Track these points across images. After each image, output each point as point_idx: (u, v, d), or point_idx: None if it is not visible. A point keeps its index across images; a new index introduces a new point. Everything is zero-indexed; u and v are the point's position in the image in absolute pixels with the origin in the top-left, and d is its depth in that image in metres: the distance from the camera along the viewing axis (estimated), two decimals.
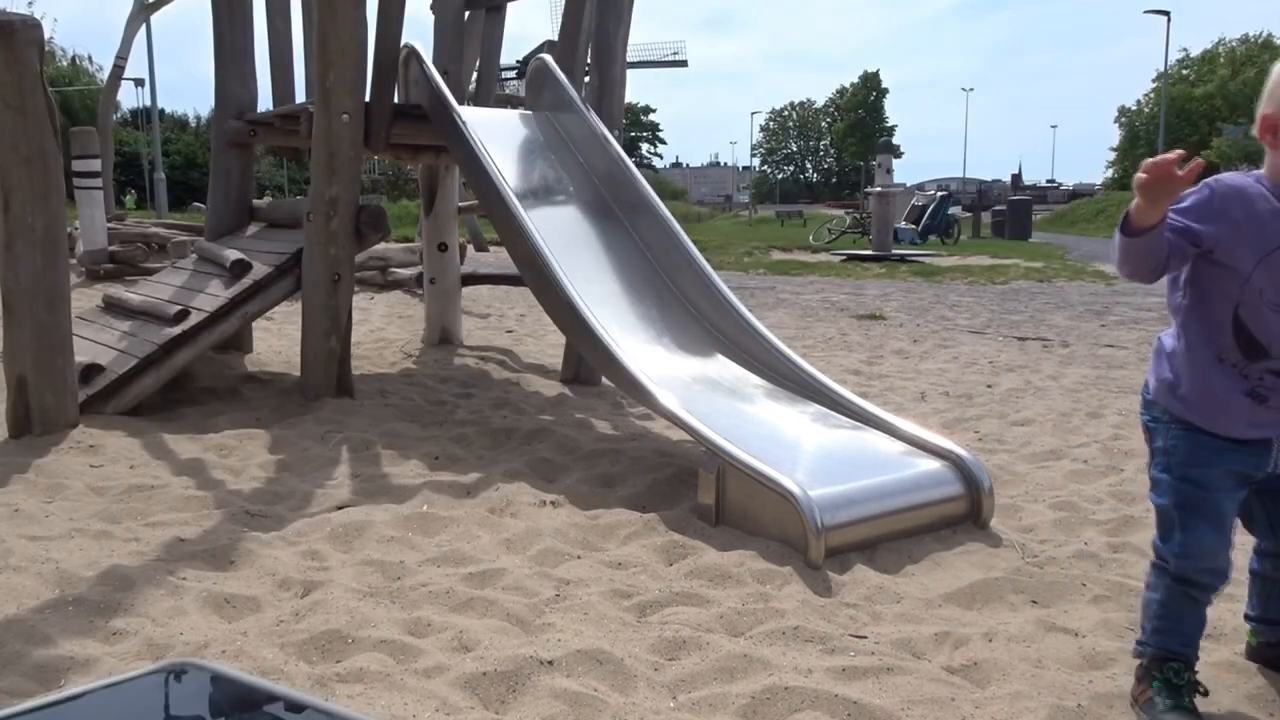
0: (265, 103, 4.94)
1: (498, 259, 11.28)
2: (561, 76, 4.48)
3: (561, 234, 3.83)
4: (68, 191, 3.67)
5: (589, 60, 4.76)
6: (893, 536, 2.60)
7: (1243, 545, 2.61)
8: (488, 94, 5.34)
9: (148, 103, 26.83)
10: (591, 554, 2.49)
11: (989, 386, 4.96)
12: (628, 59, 4.89)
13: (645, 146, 74.05)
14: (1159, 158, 1.62)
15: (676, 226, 3.93)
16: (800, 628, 2.06)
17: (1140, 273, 1.73)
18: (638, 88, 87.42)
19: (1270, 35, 44.33)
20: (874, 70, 70.82)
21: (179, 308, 3.96)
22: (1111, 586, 2.32)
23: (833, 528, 2.45)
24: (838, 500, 2.54)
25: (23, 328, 3.28)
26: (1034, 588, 2.33)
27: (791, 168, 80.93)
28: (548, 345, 5.93)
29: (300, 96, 4.85)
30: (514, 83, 16.68)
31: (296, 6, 4.88)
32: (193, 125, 38.80)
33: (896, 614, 2.19)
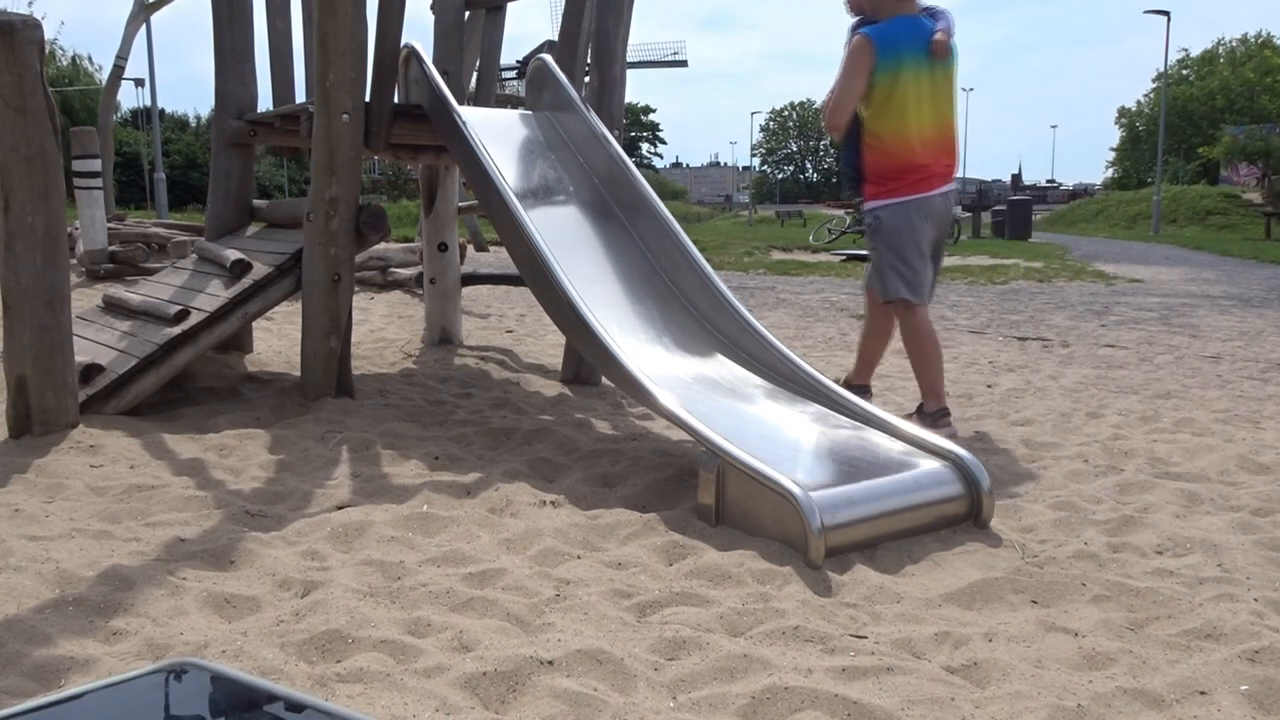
0: (265, 103, 4.94)
1: (498, 259, 11.29)
2: (561, 76, 4.48)
3: (561, 234, 3.83)
4: (68, 191, 3.67)
5: (589, 60, 4.76)
6: (893, 536, 2.60)
7: (1241, 545, 2.62)
8: (488, 94, 5.34)
9: (148, 103, 26.86)
10: (591, 554, 2.49)
11: (989, 386, 4.96)
12: (628, 59, 4.89)
13: (645, 146, 74.03)
14: None
15: (676, 226, 3.93)
16: (800, 628, 2.06)
17: None
18: (638, 88, 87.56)
19: (1270, 35, 44.36)
20: None
21: (179, 308, 3.96)
22: (1111, 586, 2.32)
23: (833, 528, 2.45)
24: (838, 500, 2.54)
25: (23, 328, 3.28)
26: (1034, 588, 2.33)
27: (791, 168, 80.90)
28: (548, 345, 5.93)
29: (300, 96, 4.85)
30: (514, 83, 16.67)
31: (296, 6, 4.89)
32: (193, 125, 38.83)
33: (896, 614, 2.19)
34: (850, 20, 4.07)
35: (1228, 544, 2.62)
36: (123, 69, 13.62)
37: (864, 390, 4.08)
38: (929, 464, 2.81)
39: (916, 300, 3.81)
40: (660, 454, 3.40)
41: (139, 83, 32.74)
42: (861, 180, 3.90)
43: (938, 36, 3.74)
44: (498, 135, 4.23)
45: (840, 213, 26.81)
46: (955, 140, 3.90)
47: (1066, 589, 2.32)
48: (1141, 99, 48.72)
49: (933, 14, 3.83)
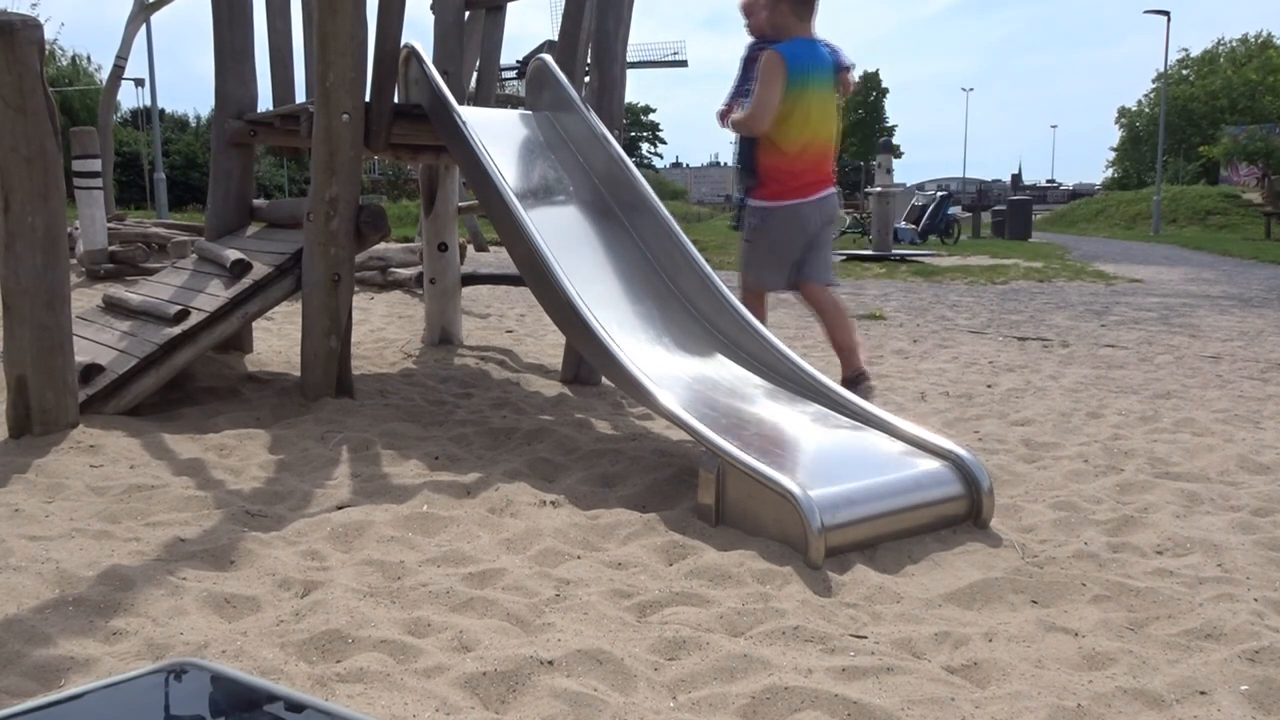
0: (265, 103, 4.94)
1: (498, 259, 11.29)
2: (561, 76, 4.48)
3: (561, 234, 3.83)
4: (68, 191, 3.67)
5: (589, 60, 4.76)
6: (893, 536, 2.60)
7: (1241, 545, 2.62)
8: (488, 94, 5.34)
9: (148, 103, 26.86)
10: (591, 554, 2.49)
11: (989, 386, 4.96)
12: (628, 59, 4.89)
13: (645, 146, 73.92)
14: None
15: (676, 226, 3.93)
16: (800, 628, 2.06)
17: None
18: (638, 88, 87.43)
19: (1270, 35, 44.38)
20: (874, 70, 70.72)
21: (179, 308, 3.96)
22: (1111, 586, 2.32)
23: (833, 528, 2.45)
24: (838, 500, 2.54)
25: (23, 328, 3.28)
26: (1034, 588, 2.33)
27: None
28: (548, 345, 5.93)
29: (300, 96, 4.85)
30: (514, 83, 16.68)
31: (296, 6, 4.89)
32: (193, 125, 38.83)
33: (896, 614, 2.19)
34: (749, 39, 4.63)
35: (1228, 544, 2.62)
36: (123, 69, 13.63)
37: (861, 377, 4.21)
38: (929, 464, 2.81)
39: (759, 288, 4.44)
40: (660, 454, 3.40)
41: (139, 83, 32.75)
42: (756, 178, 4.36)
43: (849, 76, 4.36)
44: (498, 135, 4.23)
45: (840, 213, 26.76)
46: (833, 153, 4.49)
47: (1066, 589, 2.32)
48: (1142, 99, 48.79)
49: (826, 44, 4.32)
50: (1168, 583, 2.37)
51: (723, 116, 4.63)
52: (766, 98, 4.15)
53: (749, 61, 4.52)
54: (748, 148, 4.38)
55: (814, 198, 4.30)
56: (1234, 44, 45.88)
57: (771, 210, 4.29)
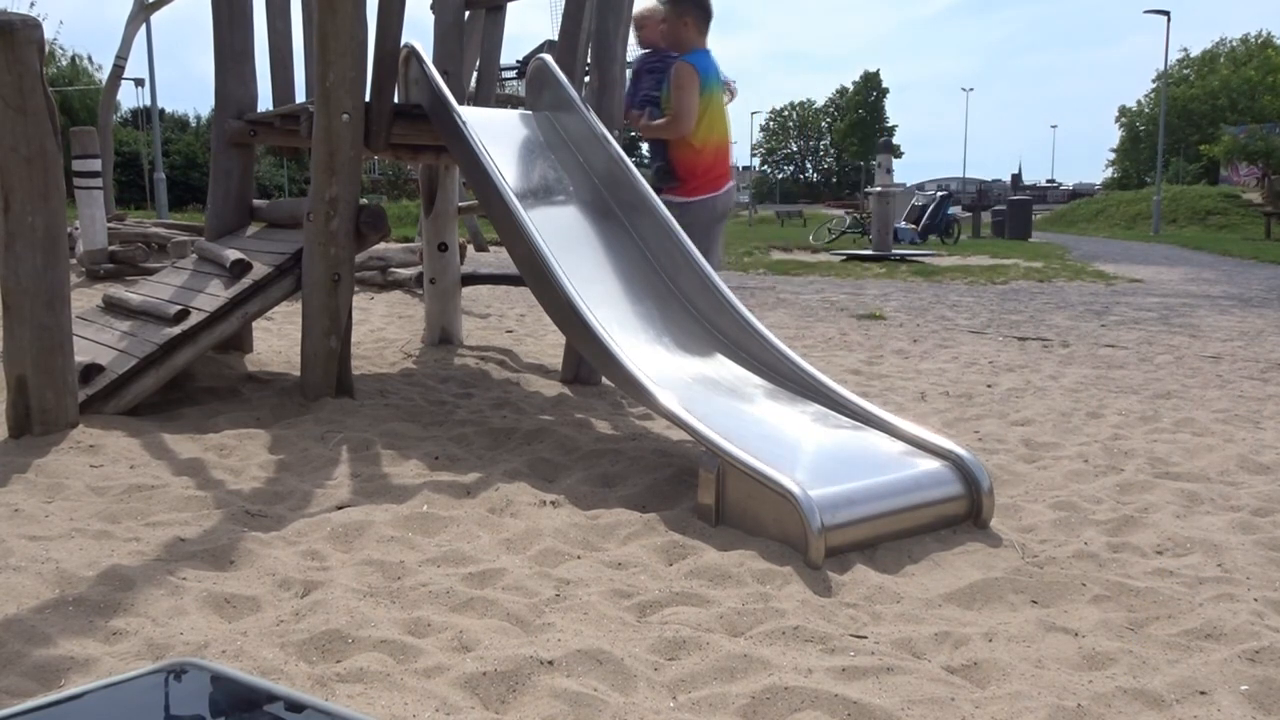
0: (265, 103, 4.94)
1: (498, 259, 11.29)
2: (561, 76, 4.48)
3: (561, 234, 3.83)
4: (68, 191, 3.67)
5: (589, 60, 4.76)
6: (893, 536, 2.60)
7: (1241, 545, 2.62)
8: (488, 94, 5.34)
9: (148, 103, 26.87)
10: (591, 554, 2.49)
11: (989, 386, 4.96)
12: (628, 59, 4.90)
13: (645, 146, 73.88)
14: None
15: (676, 226, 3.92)
16: (800, 628, 2.06)
17: None
18: None
19: (1270, 35, 44.41)
20: (874, 70, 70.68)
21: (179, 308, 3.96)
22: (1111, 586, 2.32)
23: (833, 528, 2.45)
24: (838, 500, 2.54)
25: (23, 328, 3.28)
26: (1034, 588, 2.33)
27: (791, 168, 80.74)
28: (548, 345, 5.93)
29: (300, 96, 4.85)
30: (514, 83, 16.66)
31: (296, 6, 4.89)
32: (193, 125, 38.84)
33: (896, 614, 2.19)
34: (639, 50, 5.07)
35: (1228, 544, 2.62)
36: (123, 69, 13.63)
37: None
38: (929, 464, 2.81)
39: None
40: (660, 454, 3.40)
41: (139, 83, 32.78)
42: (672, 176, 4.74)
43: (732, 84, 4.87)
44: (498, 135, 4.23)
45: (840, 213, 26.80)
46: (730, 151, 4.99)
47: (1066, 589, 2.32)
48: (1142, 99, 48.84)
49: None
50: (1168, 583, 2.37)
51: (633, 123, 4.97)
52: (690, 104, 4.59)
53: (645, 72, 4.97)
54: (661, 149, 4.78)
55: (721, 190, 4.77)
56: (1234, 44, 45.95)
57: (691, 205, 4.63)
